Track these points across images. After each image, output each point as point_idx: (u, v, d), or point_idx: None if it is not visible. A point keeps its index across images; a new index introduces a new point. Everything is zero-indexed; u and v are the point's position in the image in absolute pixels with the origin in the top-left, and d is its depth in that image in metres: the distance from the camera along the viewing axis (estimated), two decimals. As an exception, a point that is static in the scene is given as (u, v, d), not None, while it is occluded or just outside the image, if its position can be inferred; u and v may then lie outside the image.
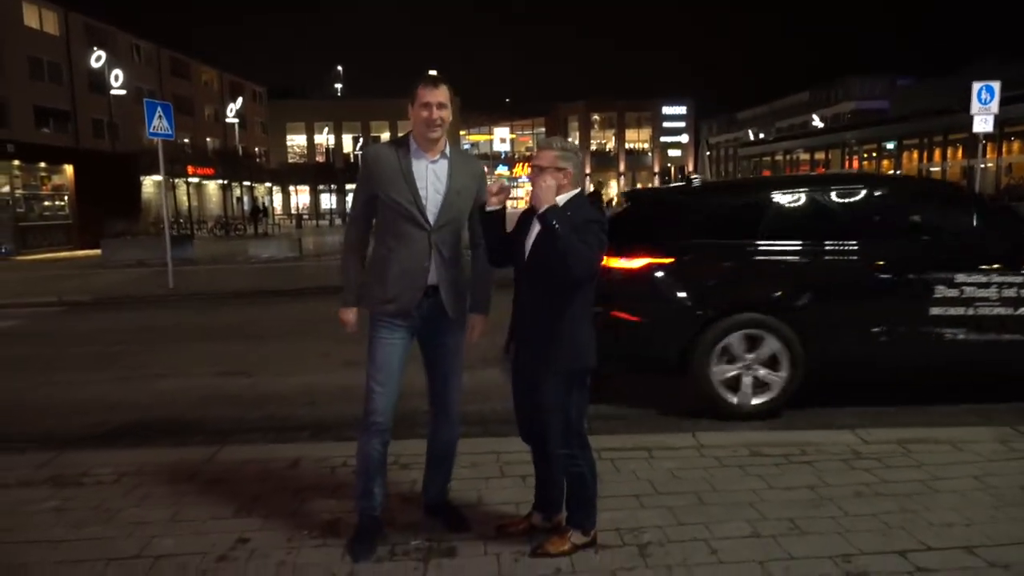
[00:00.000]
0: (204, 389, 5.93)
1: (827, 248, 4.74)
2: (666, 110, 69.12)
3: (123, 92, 29.07)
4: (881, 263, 4.69)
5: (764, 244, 4.73)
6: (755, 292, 4.68)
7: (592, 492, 2.85)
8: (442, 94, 2.83)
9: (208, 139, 50.45)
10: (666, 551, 2.83)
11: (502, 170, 69.75)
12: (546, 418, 2.77)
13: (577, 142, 69.50)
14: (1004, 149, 30.57)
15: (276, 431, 4.76)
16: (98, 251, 19.24)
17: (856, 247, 4.73)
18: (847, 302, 4.73)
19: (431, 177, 2.88)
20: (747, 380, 4.67)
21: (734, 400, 4.68)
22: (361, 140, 56.52)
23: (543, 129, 71.06)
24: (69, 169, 24.21)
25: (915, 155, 37.28)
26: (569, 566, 2.74)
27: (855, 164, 43.01)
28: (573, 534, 2.85)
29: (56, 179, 24.46)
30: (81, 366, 7.08)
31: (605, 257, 4.82)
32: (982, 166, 22.13)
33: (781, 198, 4.97)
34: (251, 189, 47.04)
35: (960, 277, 4.62)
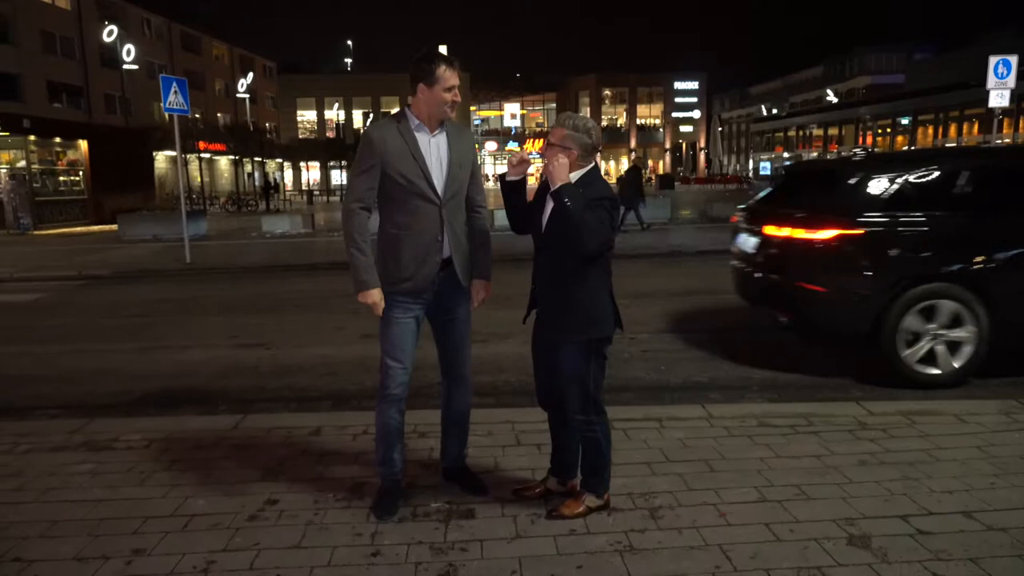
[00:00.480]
0: (225, 360, 6.09)
1: (1011, 217, 4.80)
2: (678, 85, 68.41)
3: (135, 67, 29.10)
4: None
5: (952, 214, 4.80)
6: (943, 262, 4.74)
7: (606, 458, 2.97)
8: (459, 75, 2.91)
9: (219, 114, 50.47)
10: (676, 514, 2.96)
11: (512, 146, 69.41)
12: (564, 385, 2.88)
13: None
14: (1021, 124, 30.14)
15: (297, 401, 4.91)
16: (113, 226, 19.50)
17: None
18: None
19: (434, 151, 2.94)
20: (939, 349, 4.76)
21: (925, 370, 4.77)
22: (372, 115, 56.36)
23: (554, 105, 70.51)
24: (83, 144, 24.38)
25: (930, 130, 36.83)
26: (584, 527, 2.87)
27: (868, 140, 42.53)
28: (588, 497, 2.98)
29: (71, 154, 24.65)
30: (105, 337, 7.28)
31: (788, 228, 5.04)
32: (998, 141, 21.87)
33: (966, 168, 4.97)
34: (262, 165, 47.16)
35: None
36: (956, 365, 4.76)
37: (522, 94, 70.93)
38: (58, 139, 24.36)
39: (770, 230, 5.26)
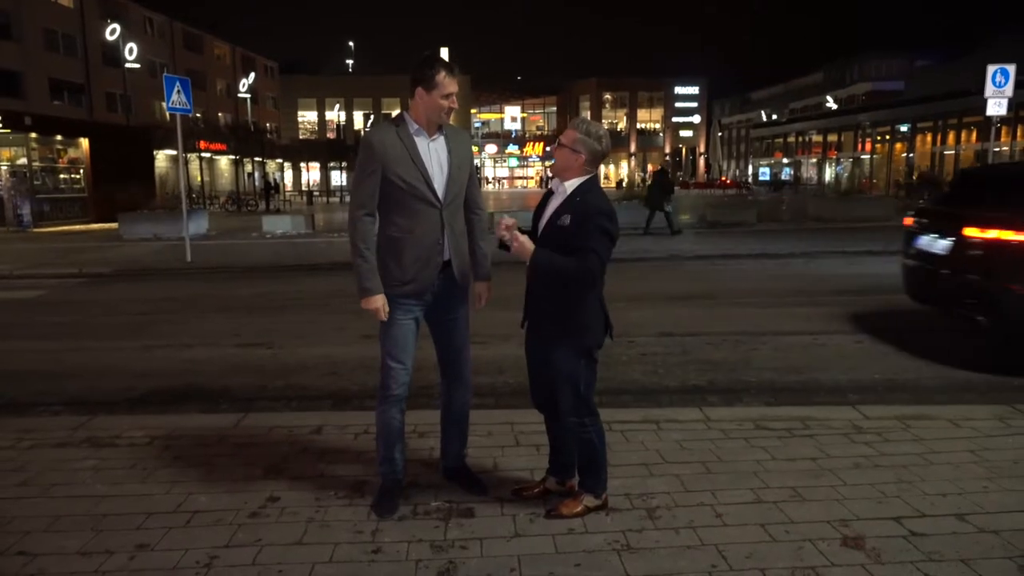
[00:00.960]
0: (227, 359, 6.12)
1: None
2: (679, 90, 68.60)
3: (137, 66, 29.14)
4: None
5: None
6: None
7: (601, 458, 3.01)
8: (458, 82, 2.96)
9: (220, 114, 50.53)
10: (673, 514, 3.00)
11: (512, 148, 69.52)
12: (556, 388, 2.93)
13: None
14: (1020, 132, 30.24)
15: (298, 400, 4.95)
16: (113, 224, 19.52)
17: None
18: None
19: (434, 155, 2.98)
20: None
21: None
22: (372, 117, 56.43)
23: (554, 108, 70.65)
24: (85, 142, 24.41)
25: (928, 138, 36.92)
26: (582, 526, 2.91)
27: (868, 146, 42.63)
28: (586, 497, 3.02)
29: (72, 152, 24.69)
30: (108, 335, 7.31)
31: (997, 230, 4.98)
32: (995, 150, 21.95)
33: None
34: (262, 165, 47.19)
35: None
36: None
37: (523, 97, 71.09)
38: (59, 137, 24.40)
39: (972, 232, 5.16)
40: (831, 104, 55.60)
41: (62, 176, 24.51)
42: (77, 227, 22.43)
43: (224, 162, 47.14)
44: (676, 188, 22.01)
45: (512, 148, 69.74)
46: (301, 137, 58.34)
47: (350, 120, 59.20)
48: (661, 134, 68.61)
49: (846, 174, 45.20)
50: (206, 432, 4.03)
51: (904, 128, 38.58)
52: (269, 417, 4.34)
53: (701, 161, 69.49)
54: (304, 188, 51.20)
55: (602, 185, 3.00)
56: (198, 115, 39.68)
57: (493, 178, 68.47)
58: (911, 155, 37.81)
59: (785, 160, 56.50)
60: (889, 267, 11.02)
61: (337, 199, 45.89)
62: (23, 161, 22.66)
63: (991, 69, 13.40)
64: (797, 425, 3.98)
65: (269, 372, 5.67)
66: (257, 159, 45.87)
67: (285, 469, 3.52)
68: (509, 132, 69.64)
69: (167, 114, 12.90)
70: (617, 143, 66.75)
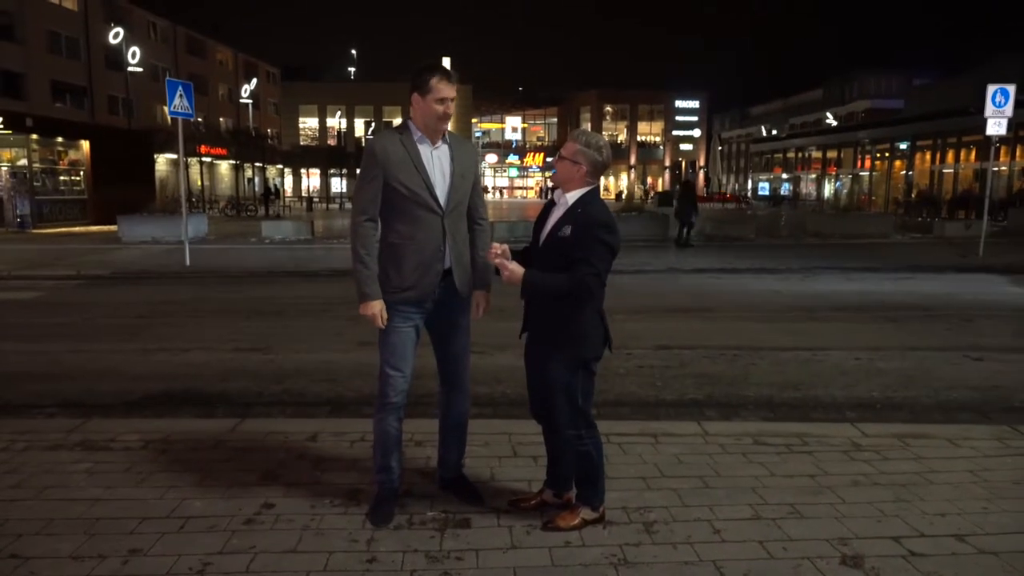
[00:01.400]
0: (224, 363, 6.10)
1: None
2: (679, 103, 68.83)
3: (139, 69, 29.20)
4: None
5: None
6: None
7: (599, 470, 3.00)
8: (455, 88, 2.94)
9: (222, 119, 50.62)
10: (671, 529, 2.98)
11: (513, 159, 69.68)
12: (554, 400, 2.92)
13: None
14: (1019, 152, 30.39)
15: (295, 405, 4.92)
16: (112, 227, 19.50)
17: None
18: None
19: (437, 163, 2.98)
20: None
21: None
22: (373, 125, 56.57)
23: (555, 119, 70.89)
24: (85, 145, 24.43)
25: (928, 156, 37.06)
26: (579, 539, 2.89)
27: (867, 163, 42.80)
28: (583, 510, 3.00)
29: (72, 154, 24.69)
30: (105, 337, 7.28)
31: None
32: (994, 169, 22.05)
33: None
34: (263, 170, 47.24)
35: None
36: None
37: (524, 108, 71.30)
38: (60, 138, 24.41)
39: None
40: (831, 121, 55.83)
41: (62, 178, 24.50)
42: (76, 229, 22.40)
43: (225, 167, 47.19)
44: (675, 202, 22.05)
45: (512, 158, 69.90)
46: (302, 143, 58.40)
47: (351, 127, 59.30)
48: (661, 147, 68.81)
49: (845, 190, 45.34)
50: (202, 437, 4.01)
51: (903, 146, 38.75)
52: (265, 423, 4.33)
53: (701, 175, 69.72)
54: (304, 194, 51.23)
55: (602, 197, 3.00)
56: (199, 120, 39.79)
57: (493, 187, 68.59)
58: (910, 173, 37.95)
59: (784, 175, 56.70)
60: (888, 284, 11.05)
61: (337, 206, 45.89)
62: (23, 162, 22.66)
63: (991, 89, 13.48)
64: (795, 441, 3.96)
65: (266, 377, 5.65)
66: (258, 164, 45.92)
67: (281, 475, 3.50)
68: (510, 142, 69.78)
69: (168, 118, 12.93)
70: (617, 155, 66.89)
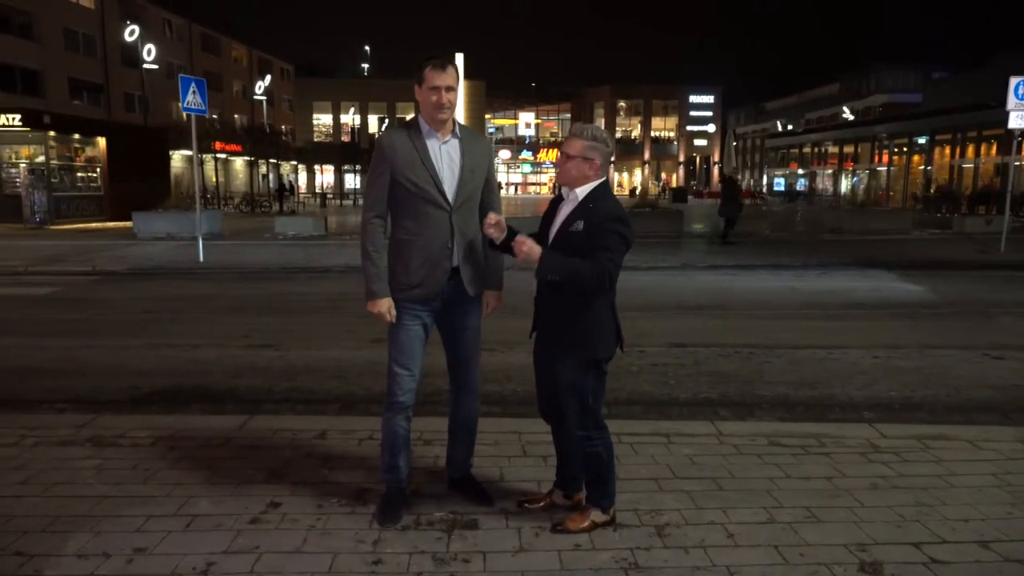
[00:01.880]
0: (235, 359, 6.09)
1: None
2: (693, 99, 68.29)
3: (155, 67, 29.38)
4: None
5: None
6: None
7: (609, 472, 2.93)
8: (450, 77, 2.85)
9: (236, 116, 50.88)
10: (683, 532, 2.91)
11: (526, 155, 69.54)
12: (564, 400, 2.85)
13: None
14: (1041, 147, 29.83)
15: (304, 403, 4.90)
16: (127, 223, 19.64)
17: None
18: None
19: (445, 157, 2.92)
20: None
21: None
22: (387, 121, 56.62)
23: (568, 115, 70.61)
24: (102, 141, 24.61)
25: (947, 150, 36.52)
26: (588, 542, 2.83)
27: (885, 158, 42.27)
28: (593, 512, 2.94)
29: (89, 151, 24.88)
30: (117, 333, 7.31)
31: None
32: (1016, 163, 21.67)
33: None
34: (277, 167, 47.42)
35: None
36: None
37: (537, 104, 71.09)
38: (77, 135, 24.59)
39: None
40: (847, 115, 55.20)
41: (79, 174, 24.70)
42: (93, 225, 22.60)
43: (239, 163, 47.41)
44: (690, 197, 21.89)
45: (526, 154, 69.77)
46: (316, 140, 58.57)
47: (364, 124, 59.39)
48: (675, 142, 68.34)
49: (862, 186, 44.82)
50: (210, 434, 3.98)
51: (922, 140, 38.20)
52: (274, 420, 4.30)
53: (715, 170, 69.20)
54: (318, 190, 51.40)
55: (615, 193, 2.93)
56: (214, 116, 39.99)
57: (506, 183, 68.54)
58: (929, 168, 37.42)
59: (800, 171, 56.15)
60: (905, 281, 10.87)
61: (350, 202, 46.03)
62: (41, 159, 22.87)
63: (1014, 81, 13.21)
64: (812, 442, 3.88)
65: (276, 374, 5.63)
66: (272, 161, 46.11)
67: (288, 474, 3.47)
68: (523, 138, 69.65)
69: (184, 115, 12.99)
70: (631, 151, 66.65)
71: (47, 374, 5.64)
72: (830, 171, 50.58)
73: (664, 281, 11.16)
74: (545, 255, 2.68)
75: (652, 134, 68.66)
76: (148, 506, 3.12)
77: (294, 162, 52.41)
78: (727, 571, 2.62)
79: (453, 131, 2.96)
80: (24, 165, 22.65)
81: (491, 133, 67.02)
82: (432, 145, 2.92)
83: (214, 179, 36.01)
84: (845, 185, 47.34)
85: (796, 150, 56.99)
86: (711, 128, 69.04)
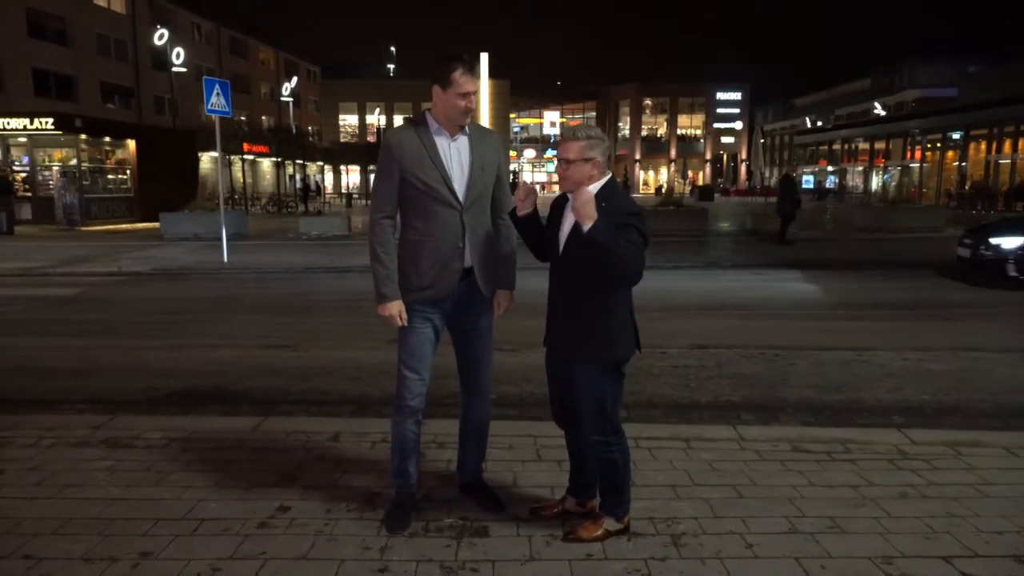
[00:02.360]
0: (252, 360, 6.10)
1: None
2: (720, 96, 67.44)
3: (184, 70, 29.82)
4: None
5: None
6: None
7: (625, 479, 2.84)
8: (478, 81, 2.81)
9: (264, 117, 51.50)
10: (700, 542, 2.81)
11: (551, 154, 69.33)
12: (578, 404, 2.77)
13: (628, 127, 67.61)
14: (1082, 142, 28.93)
15: (319, 404, 4.87)
16: (156, 224, 19.92)
17: None
18: None
19: (455, 155, 2.86)
20: None
21: None
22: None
23: (593, 113, 70.26)
24: (132, 144, 25.03)
25: (983, 145, 35.56)
26: (601, 552, 2.74)
27: (918, 154, 41.32)
28: (606, 520, 2.85)
29: (119, 153, 25.32)
30: (137, 333, 7.37)
31: None
32: (1056, 160, 20.98)
33: None
34: (303, 167, 47.87)
35: None
36: None
37: (562, 103, 70.84)
38: (108, 138, 25.04)
39: None
40: (879, 111, 54.04)
41: (110, 176, 25.12)
42: (122, 226, 22.99)
43: (266, 164, 47.93)
44: (716, 196, 21.56)
45: (551, 153, 69.58)
46: (342, 140, 59.01)
47: (390, 124, 59.69)
48: (702, 140, 67.60)
49: (894, 183, 43.86)
50: (224, 436, 3.97)
51: (956, 135, 37.24)
52: (288, 422, 4.27)
53: (743, 168, 68.33)
54: (344, 191, 51.78)
55: (641, 191, 2.83)
56: (242, 118, 40.52)
57: (532, 182, 68.57)
58: (963, 164, 36.47)
59: (830, 168, 55.14)
60: (938, 280, 10.56)
61: (375, 202, 46.22)
62: (73, 162, 23.32)
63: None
64: (837, 448, 3.74)
65: (292, 375, 5.62)
66: (298, 162, 46.56)
67: (299, 477, 3.43)
68: (548, 137, 69.46)
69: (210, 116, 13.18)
70: (657, 149, 66.05)
71: (66, 374, 5.70)
72: (860, 168, 49.61)
73: (689, 281, 10.99)
74: (599, 219, 2.55)
75: (678, 132, 67.99)
76: (157, 509, 3.10)
77: (320, 163, 52.87)
78: (745, 584, 2.52)
79: (462, 128, 2.89)
80: (57, 168, 23.12)
81: (516, 132, 66.95)
82: (441, 143, 2.85)
83: (242, 180, 36.42)
84: (876, 182, 46.37)
85: (825, 147, 56.01)
86: (738, 125, 68.14)
